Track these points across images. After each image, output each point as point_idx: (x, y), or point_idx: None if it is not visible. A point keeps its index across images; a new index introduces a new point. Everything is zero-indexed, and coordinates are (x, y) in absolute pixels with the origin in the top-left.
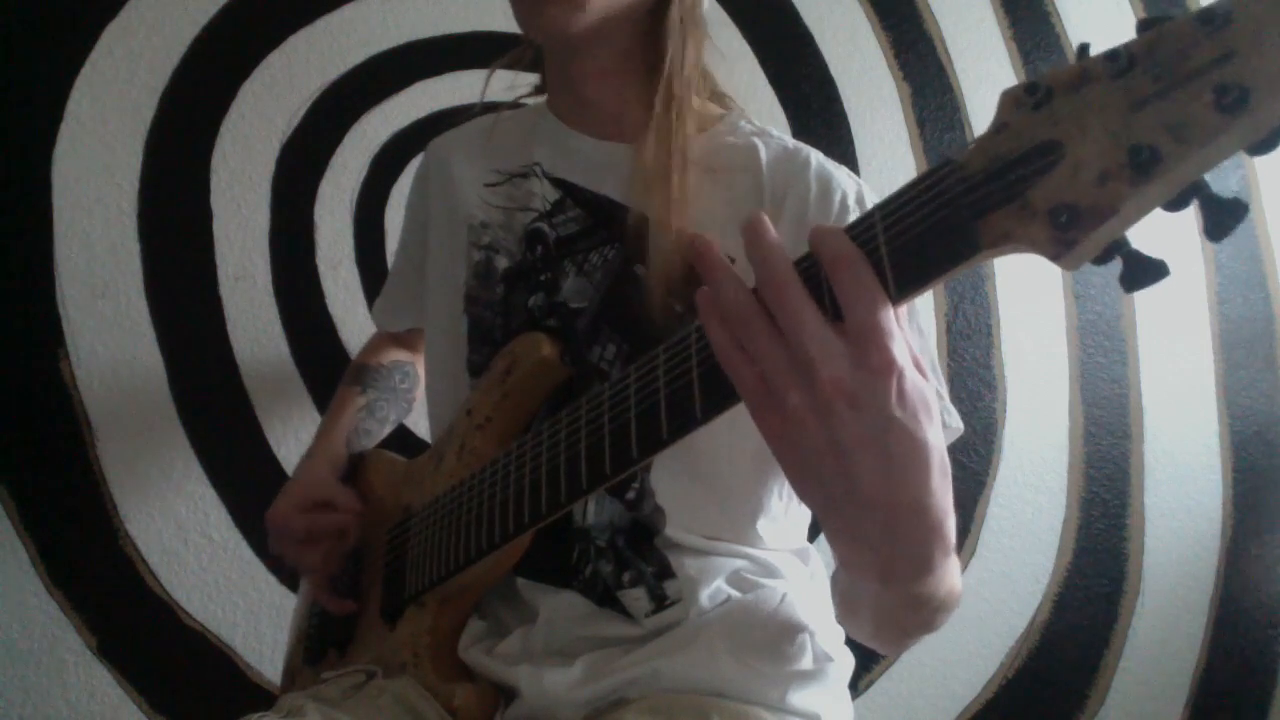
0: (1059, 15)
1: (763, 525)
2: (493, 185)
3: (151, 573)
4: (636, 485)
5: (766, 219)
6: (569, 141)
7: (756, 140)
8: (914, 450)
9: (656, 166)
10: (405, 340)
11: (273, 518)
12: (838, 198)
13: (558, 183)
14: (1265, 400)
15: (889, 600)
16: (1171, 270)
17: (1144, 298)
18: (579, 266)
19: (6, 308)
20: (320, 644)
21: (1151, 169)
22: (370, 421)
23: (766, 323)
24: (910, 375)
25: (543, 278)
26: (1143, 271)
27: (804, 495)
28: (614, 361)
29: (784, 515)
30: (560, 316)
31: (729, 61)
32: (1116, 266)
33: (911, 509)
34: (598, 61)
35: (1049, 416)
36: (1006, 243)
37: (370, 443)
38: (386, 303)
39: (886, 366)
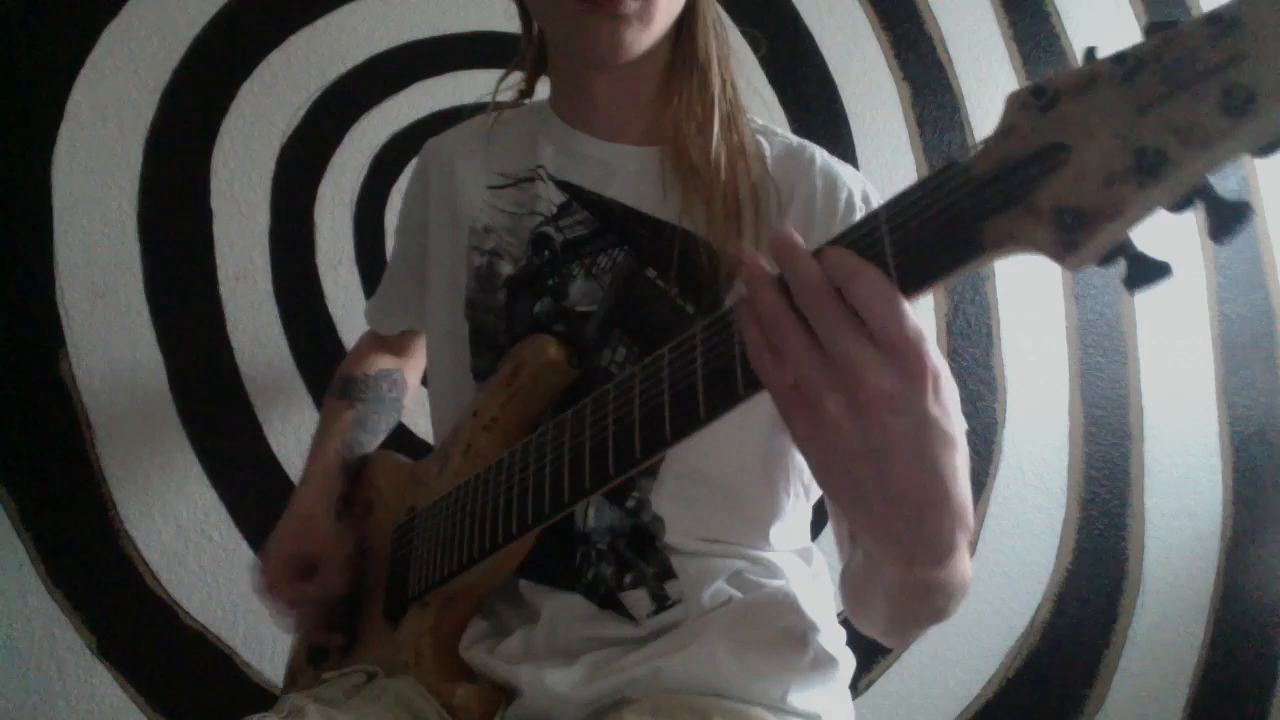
0: (1059, 15)
1: (775, 528)
2: (497, 188)
3: (151, 573)
4: (636, 494)
5: (795, 232)
6: (574, 144)
7: (761, 138)
8: (947, 446)
9: (703, 167)
10: (393, 344)
11: (262, 576)
12: (843, 196)
13: (563, 185)
14: (1265, 400)
15: (907, 587)
16: (1175, 271)
17: (1144, 298)
18: (587, 269)
19: (6, 308)
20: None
21: (1157, 171)
22: (361, 434)
23: (802, 330)
24: (945, 374)
25: (550, 282)
26: (1146, 272)
27: (832, 493)
28: (624, 364)
29: (793, 515)
30: (567, 321)
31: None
32: (1118, 267)
33: (941, 500)
34: (623, 69)
35: (1049, 416)
36: (1011, 244)
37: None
38: (380, 305)
39: (924, 371)
